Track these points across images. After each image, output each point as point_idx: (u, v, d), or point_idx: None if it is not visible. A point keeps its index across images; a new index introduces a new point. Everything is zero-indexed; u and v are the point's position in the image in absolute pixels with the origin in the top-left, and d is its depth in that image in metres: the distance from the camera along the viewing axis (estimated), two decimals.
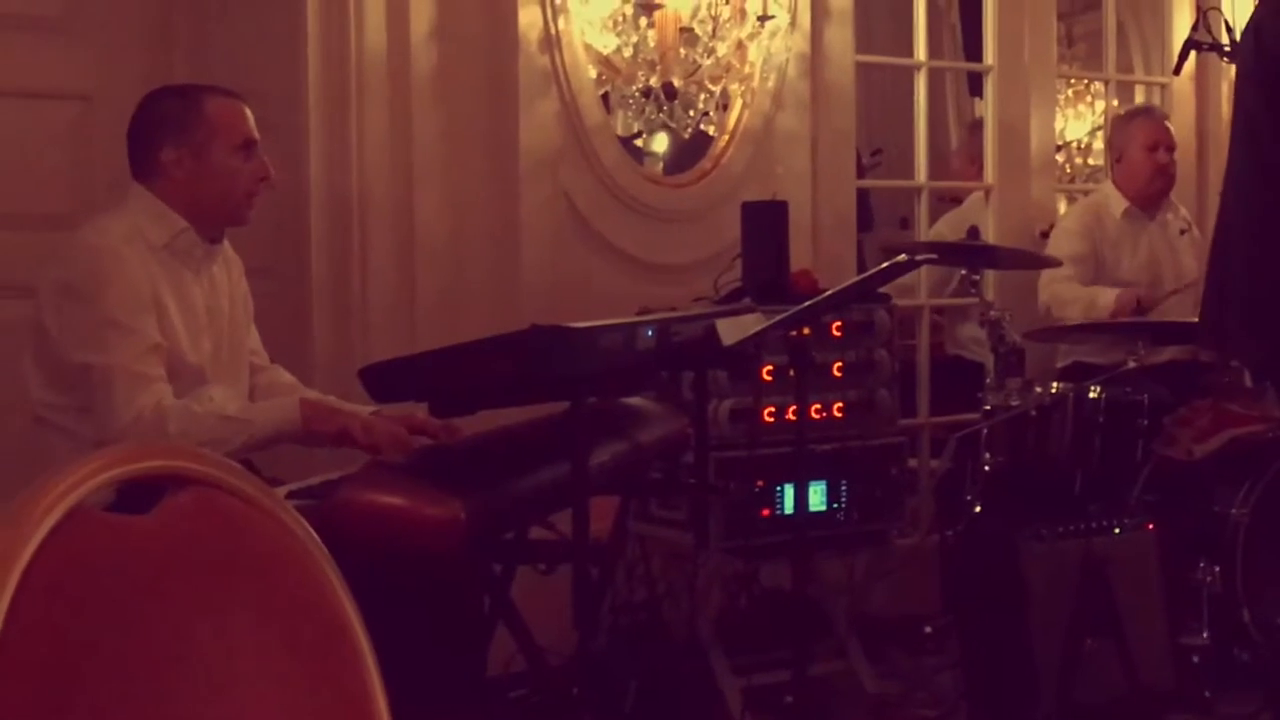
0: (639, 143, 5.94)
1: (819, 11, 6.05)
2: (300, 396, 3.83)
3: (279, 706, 1.67)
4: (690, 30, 5.50)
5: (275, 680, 1.68)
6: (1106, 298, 5.97)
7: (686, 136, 5.80)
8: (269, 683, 1.67)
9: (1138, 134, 6.38)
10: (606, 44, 5.49)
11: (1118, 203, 6.38)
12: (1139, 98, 7.85)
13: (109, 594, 1.53)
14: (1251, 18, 4.00)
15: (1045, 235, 6.65)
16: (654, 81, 5.49)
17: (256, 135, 3.89)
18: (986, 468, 5.22)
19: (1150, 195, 6.35)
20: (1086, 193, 7.07)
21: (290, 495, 3.09)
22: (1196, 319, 5.82)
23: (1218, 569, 5.15)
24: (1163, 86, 7.45)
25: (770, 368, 4.95)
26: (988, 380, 5.42)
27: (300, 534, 1.78)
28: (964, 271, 5.65)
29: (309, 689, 1.72)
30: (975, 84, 8.09)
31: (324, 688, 1.73)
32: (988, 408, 5.28)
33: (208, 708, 1.57)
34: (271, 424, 3.68)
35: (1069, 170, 9.12)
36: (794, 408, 4.43)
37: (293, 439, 3.74)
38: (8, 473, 3.82)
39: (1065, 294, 6.10)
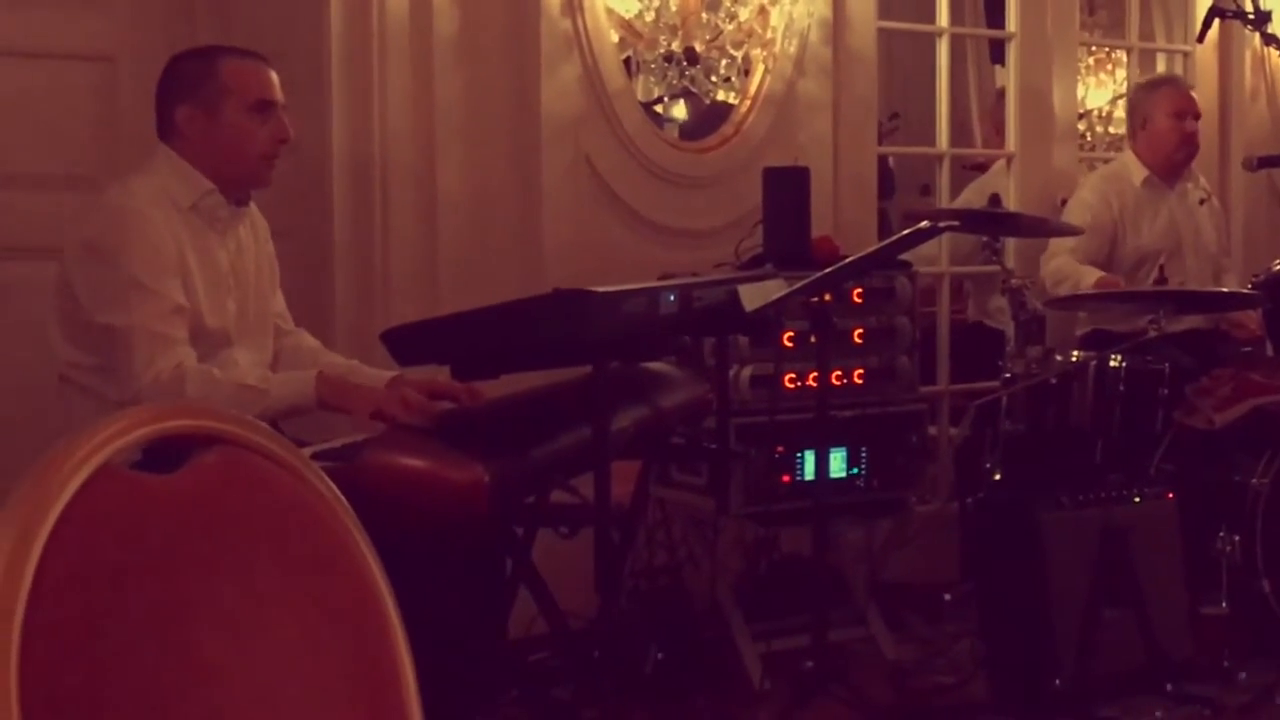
0: (659, 108, 5.93)
1: None
2: (318, 371, 3.82)
3: (305, 663, 1.68)
4: None
5: (301, 637, 1.68)
6: (1088, 280, 5.94)
7: (708, 102, 5.79)
8: (295, 640, 1.67)
9: (1163, 101, 6.34)
10: (628, 8, 5.48)
11: (1138, 171, 6.34)
12: (1161, 66, 7.81)
13: (137, 552, 1.54)
14: None
15: (1066, 203, 6.64)
16: (676, 46, 5.49)
17: (276, 97, 3.87)
18: (1006, 436, 5.21)
19: (1175, 164, 6.31)
20: (1108, 161, 7.04)
21: (313, 457, 3.10)
22: (1217, 289, 5.84)
23: (1238, 538, 5.14)
24: (1185, 55, 7.42)
25: (791, 334, 4.96)
26: (1008, 348, 5.41)
27: (326, 493, 1.79)
28: (985, 239, 5.64)
29: (334, 646, 1.72)
30: (997, 51, 8.07)
31: (349, 645, 1.74)
32: (1008, 375, 5.27)
33: (234, 664, 1.58)
34: (287, 396, 3.69)
35: (1090, 139, 9.09)
36: (815, 374, 4.44)
37: (308, 411, 3.76)
38: (34, 431, 3.86)
39: (1061, 270, 6.06)
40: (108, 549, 1.52)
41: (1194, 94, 6.43)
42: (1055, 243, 6.14)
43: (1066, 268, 6.03)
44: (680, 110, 5.96)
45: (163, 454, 1.70)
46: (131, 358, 3.58)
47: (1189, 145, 6.31)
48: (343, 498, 1.81)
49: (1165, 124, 6.30)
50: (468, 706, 3.75)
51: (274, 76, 3.89)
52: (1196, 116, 6.31)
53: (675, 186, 5.67)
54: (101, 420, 1.59)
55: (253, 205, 4.00)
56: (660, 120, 5.89)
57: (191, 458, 1.68)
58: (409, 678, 1.80)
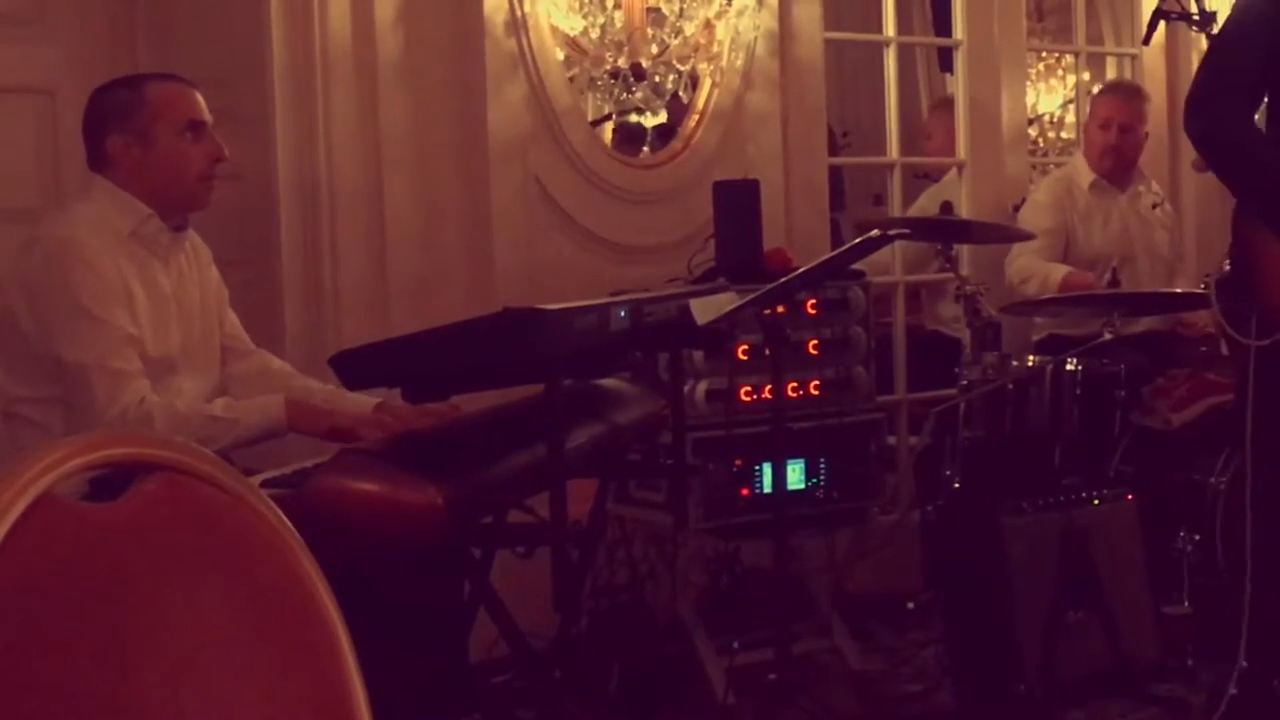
0: (609, 126, 5.91)
1: None
2: (286, 396, 3.82)
3: (252, 693, 1.65)
4: (657, 10, 5.49)
5: (248, 666, 1.66)
6: (1057, 274, 5.98)
7: (656, 117, 5.78)
8: (241, 669, 1.65)
9: (1096, 109, 6.44)
10: (573, 26, 5.47)
11: (1086, 175, 6.37)
12: (1110, 69, 7.86)
13: (78, 582, 1.51)
14: None
15: (1018, 209, 6.65)
16: (622, 62, 5.47)
17: (205, 117, 3.85)
18: (965, 442, 5.22)
19: (1103, 171, 6.34)
20: (1059, 166, 7.06)
21: (265, 484, 3.07)
22: (1171, 290, 5.87)
23: (1198, 538, 5.15)
24: (1133, 57, 7.45)
25: (745, 347, 4.95)
26: (964, 355, 5.41)
27: (271, 518, 1.76)
28: (939, 247, 5.65)
29: (282, 675, 1.70)
30: (946, 60, 8.08)
31: (298, 674, 1.72)
32: (965, 382, 5.28)
33: (179, 694, 1.55)
34: (257, 424, 3.69)
35: (1042, 144, 9.12)
36: (770, 386, 4.42)
37: (280, 435, 3.75)
38: None
39: (1026, 268, 6.10)
40: (47, 579, 1.49)
41: (1135, 104, 6.41)
42: (1019, 245, 6.15)
43: (1032, 265, 6.07)
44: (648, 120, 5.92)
45: (110, 484, 1.67)
46: (92, 395, 3.56)
47: (1109, 156, 6.33)
48: (288, 522, 1.78)
49: (1092, 132, 6.38)
50: None
51: (199, 97, 3.87)
52: (1125, 128, 6.30)
53: (625, 203, 5.66)
54: (39, 449, 1.56)
55: (191, 232, 3.97)
56: (637, 138, 5.86)
57: (132, 485, 1.65)
58: (361, 704, 1.77)
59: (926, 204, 6.96)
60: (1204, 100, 4.26)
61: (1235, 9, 4.36)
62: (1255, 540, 4.21)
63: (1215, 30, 4.69)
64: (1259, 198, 4.24)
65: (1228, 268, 4.33)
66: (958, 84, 6.82)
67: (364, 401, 3.85)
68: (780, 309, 4.22)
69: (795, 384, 5.10)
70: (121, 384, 3.56)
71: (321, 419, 3.73)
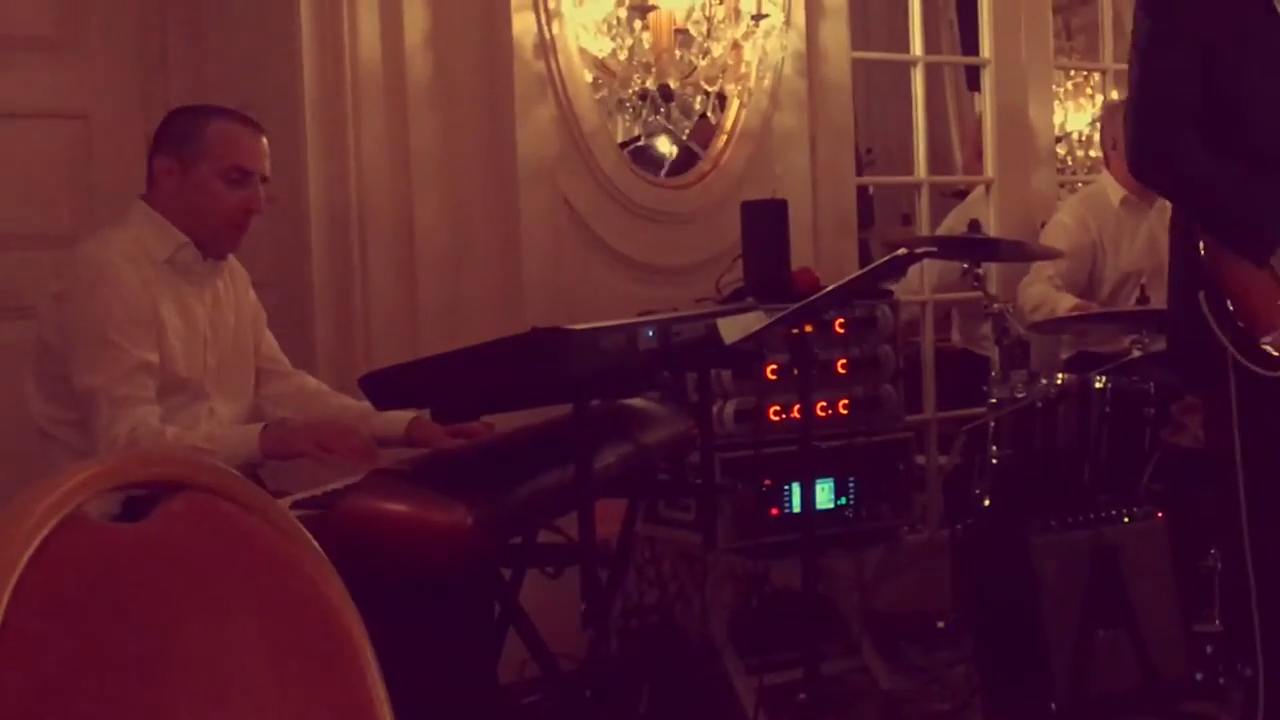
0: (641, 145, 5.93)
1: (813, 9, 6.04)
2: (264, 424, 3.81)
3: (276, 712, 1.66)
4: (685, 32, 5.50)
5: (273, 687, 1.66)
6: (1064, 305, 5.95)
7: (685, 138, 5.80)
8: (266, 690, 1.66)
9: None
10: (601, 48, 5.49)
11: (1115, 192, 6.34)
12: None
13: (104, 601, 1.53)
14: None
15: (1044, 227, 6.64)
16: (650, 84, 5.49)
17: (255, 167, 3.86)
18: (994, 461, 5.21)
19: (1133, 185, 6.30)
20: (1088, 184, 7.05)
21: (295, 505, 3.09)
22: None
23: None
24: None
25: (774, 366, 4.95)
26: (993, 373, 5.41)
27: (297, 539, 1.77)
28: (965, 265, 5.65)
29: (307, 696, 1.70)
30: (974, 78, 8.09)
31: (323, 695, 1.72)
32: (994, 401, 5.27)
33: (203, 712, 1.57)
34: (232, 453, 3.64)
35: (1070, 163, 9.11)
36: (799, 406, 4.43)
37: (259, 464, 3.75)
38: (13, 488, 3.84)
39: (1037, 297, 6.07)
40: (74, 599, 1.51)
41: None
42: (1036, 268, 6.15)
43: (1042, 294, 6.05)
44: (666, 146, 5.94)
45: (143, 505, 1.69)
46: (96, 419, 3.61)
47: None
48: (314, 542, 1.80)
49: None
50: None
51: (263, 147, 3.88)
52: None
53: (654, 223, 5.67)
54: (67, 469, 1.57)
55: (231, 256, 4.00)
56: (653, 161, 5.88)
57: (159, 505, 1.67)
58: None
59: (953, 223, 6.96)
60: (1157, 143, 3.94)
61: (1143, 26, 3.96)
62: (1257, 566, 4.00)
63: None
64: (1242, 227, 3.94)
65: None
66: (985, 103, 6.82)
67: (396, 419, 3.87)
68: (808, 328, 4.21)
69: (824, 403, 5.10)
70: (123, 411, 3.59)
71: (288, 445, 3.70)
